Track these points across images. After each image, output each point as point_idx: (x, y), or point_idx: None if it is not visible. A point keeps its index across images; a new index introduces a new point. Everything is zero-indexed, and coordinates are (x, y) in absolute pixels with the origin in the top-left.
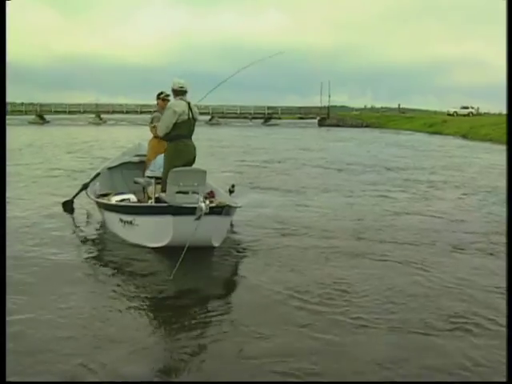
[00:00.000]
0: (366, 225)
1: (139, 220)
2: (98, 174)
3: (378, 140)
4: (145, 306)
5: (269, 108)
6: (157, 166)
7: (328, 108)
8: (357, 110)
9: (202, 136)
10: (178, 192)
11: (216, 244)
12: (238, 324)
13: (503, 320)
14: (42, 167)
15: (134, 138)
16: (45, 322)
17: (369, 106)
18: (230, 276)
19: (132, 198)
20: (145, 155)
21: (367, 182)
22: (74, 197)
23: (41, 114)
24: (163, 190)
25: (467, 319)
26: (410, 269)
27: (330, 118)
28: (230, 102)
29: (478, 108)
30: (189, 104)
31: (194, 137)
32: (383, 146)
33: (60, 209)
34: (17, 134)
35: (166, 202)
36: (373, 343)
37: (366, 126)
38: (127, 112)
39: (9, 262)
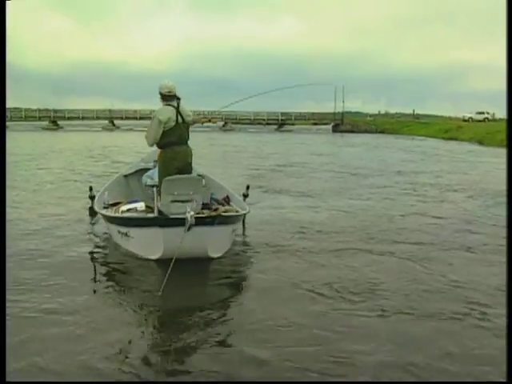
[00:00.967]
0: (378, 226)
1: (133, 232)
2: (112, 181)
3: (389, 146)
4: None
5: (282, 114)
6: (156, 174)
7: (342, 114)
8: (371, 115)
9: (216, 142)
10: (172, 201)
11: (214, 255)
12: (238, 325)
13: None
14: (68, 171)
15: None
16: None
17: (383, 111)
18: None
19: (140, 206)
20: None
21: (376, 185)
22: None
23: (54, 120)
24: None
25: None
26: (427, 265)
27: (343, 123)
28: (243, 108)
29: (493, 114)
30: (177, 108)
31: (206, 142)
32: (394, 151)
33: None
34: (35, 140)
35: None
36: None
37: (381, 132)
38: (141, 118)
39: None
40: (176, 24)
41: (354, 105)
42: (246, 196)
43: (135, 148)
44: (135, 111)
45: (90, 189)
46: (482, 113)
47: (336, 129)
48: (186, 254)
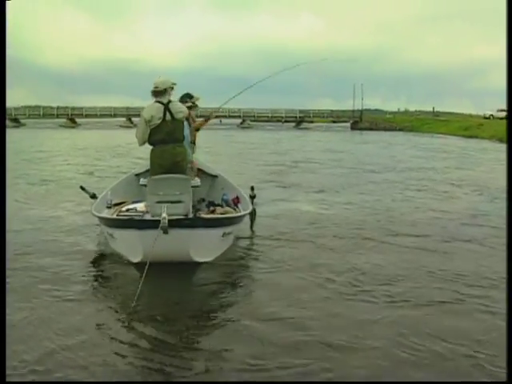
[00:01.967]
0: (390, 219)
1: (116, 234)
2: (121, 180)
3: (408, 143)
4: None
5: (300, 111)
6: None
7: (361, 111)
8: (390, 113)
9: (234, 139)
10: (158, 202)
11: (200, 259)
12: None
13: None
14: (94, 168)
15: None
16: None
17: (402, 109)
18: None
19: (140, 207)
20: None
21: (389, 180)
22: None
23: (72, 118)
24: None
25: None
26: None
27: (362, 121)
28: (261, 105)
29: None
30: (165, 105)
31: (224, 139)
32: (416, 150)
33: None
34: (57, 138)
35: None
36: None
37: (400, 130)
38: None
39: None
40: (194, 21)
41: (373, 102)
42: (253, 197)
43: None
44: None
45: (82, 188)
46: (504, 110)
47: (354, 126)
48: (166, 257)
